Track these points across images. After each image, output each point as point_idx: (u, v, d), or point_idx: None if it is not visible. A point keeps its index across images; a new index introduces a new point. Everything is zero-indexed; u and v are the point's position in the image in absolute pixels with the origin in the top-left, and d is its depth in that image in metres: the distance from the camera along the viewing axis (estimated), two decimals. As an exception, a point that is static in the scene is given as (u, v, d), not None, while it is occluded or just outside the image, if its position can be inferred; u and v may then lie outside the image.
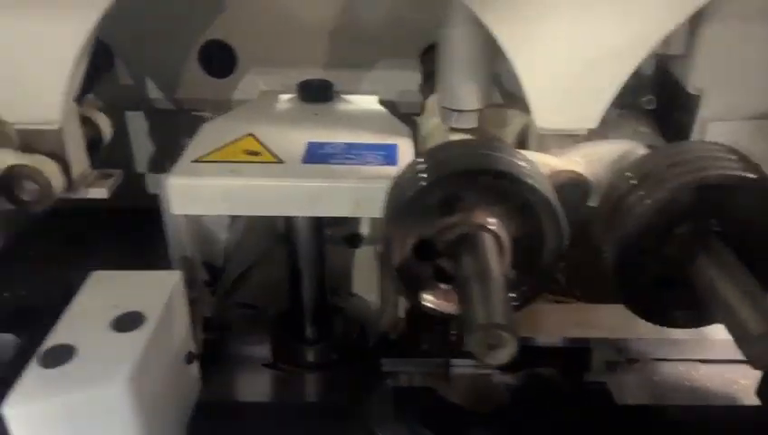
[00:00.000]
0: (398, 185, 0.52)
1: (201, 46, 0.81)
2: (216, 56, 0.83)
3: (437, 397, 0.59)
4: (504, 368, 0.64)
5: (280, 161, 0.58)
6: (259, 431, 0.56)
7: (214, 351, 0.62)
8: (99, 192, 0.62)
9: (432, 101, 0.68)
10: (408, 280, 0.52)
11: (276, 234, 0.70)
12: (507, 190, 0.48)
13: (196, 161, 0.58)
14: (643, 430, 0.58)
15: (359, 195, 0.55)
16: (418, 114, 0.69)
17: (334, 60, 0.80)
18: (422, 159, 0.51)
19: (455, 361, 0.64)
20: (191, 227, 0.59)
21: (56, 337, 0.46)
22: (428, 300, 0.52)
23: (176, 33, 0.79)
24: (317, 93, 0.72)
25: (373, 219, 0.68)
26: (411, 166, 0.51)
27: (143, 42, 0.78)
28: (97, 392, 0.42)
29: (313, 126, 0.65)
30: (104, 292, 0.50)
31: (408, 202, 0.48)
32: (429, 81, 0.75)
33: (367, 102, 0.72)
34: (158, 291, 0.50)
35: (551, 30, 0.53)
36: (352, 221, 0.73)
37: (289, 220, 0.63)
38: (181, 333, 0.53)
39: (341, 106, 0.71)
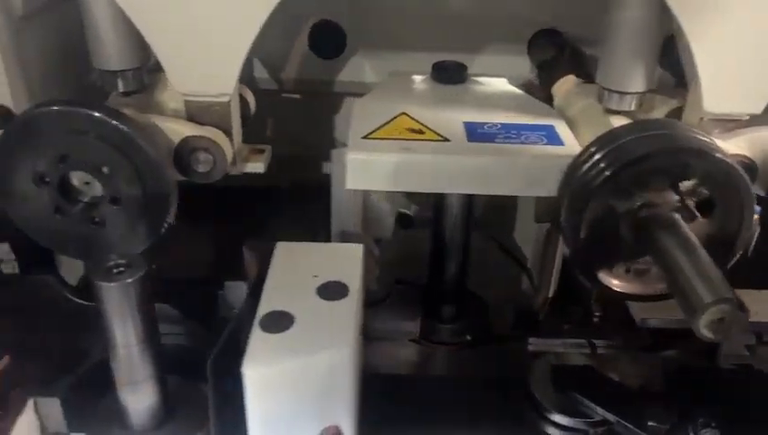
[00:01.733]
0: (577, 166, 0.53)
1: (311, 26, 0.81)
2: (325, 37, 0.83)
3: (594, 372, 0.60)
4: (645, 348, 0.65)
5: (446, 139, 0.59)
6: (426, 403, 0.57)
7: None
8: (256, 166, 0.63)
9: (570, 84, 0.69)
10: (585, 262, 0.54)
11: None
12: (694, 168, 0.49)
13: (366, 138, 0.58)
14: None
15: (533, 173, 0.56)
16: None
17: (441, 44, 0.80)
18: (604, 141, 0.52)
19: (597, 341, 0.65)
20: (359, 202, 0.60)
21: (269, 304, 0.47)
22: (610, 282, 0.54)
23: (287, 13, 0.80)
24: (452, 74, 0.72)
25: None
26: (592, 147, 0.52)
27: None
28: (325, 356, 0.43)
29: (462, 106, 0.66)
30: (298, 262, 0.51)
31: (599, 183, 0.49)
32: (550, 65, 0.76)
33: (500, 84, 0.73)
34: (349, 262, 0.51)
35: (735, 16, 0.53)
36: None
37: (439, 201, 0.64)
38: (362, 305, 0.53)
39: (478, 87, 0.72)
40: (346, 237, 0.60)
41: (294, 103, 0.87)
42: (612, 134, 0.53)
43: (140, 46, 0.58)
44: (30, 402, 0.57)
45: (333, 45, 0.84)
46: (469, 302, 0.70)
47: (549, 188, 0.56)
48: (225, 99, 0.58)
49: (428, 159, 0.56)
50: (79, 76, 0.63)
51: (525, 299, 0.70)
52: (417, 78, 0.74)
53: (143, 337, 0.52)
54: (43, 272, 0.64)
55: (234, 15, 0.55)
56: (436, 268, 0.67)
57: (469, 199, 0.64)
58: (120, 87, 0.59)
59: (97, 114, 0.52)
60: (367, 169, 0.56)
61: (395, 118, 0.63)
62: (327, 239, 0.62)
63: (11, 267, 0.69)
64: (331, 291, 0.48)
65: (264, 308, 0.47)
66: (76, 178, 0.55)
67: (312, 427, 0.45)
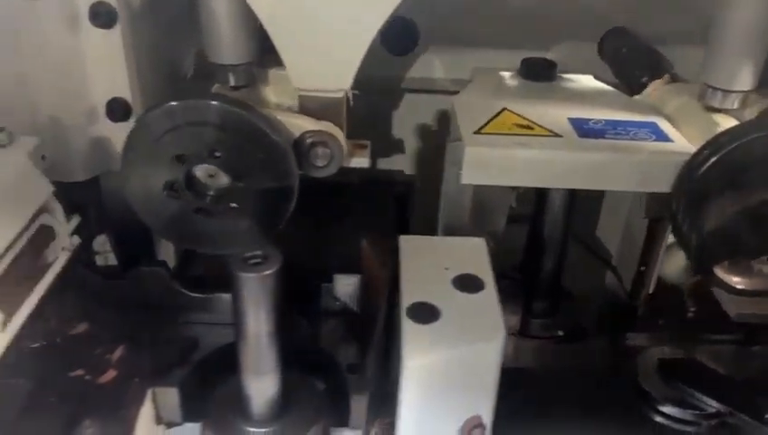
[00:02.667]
0: (697, 163, 0.54)
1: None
2: (397, 33, 0.83)
3: (701, 365, 0.61)
4: (741, 342, 0.66)
5: (556, 135, 0.60)
6: (537, 395, 0.58)
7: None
8: (361, 161, 0.63)
9: (661, 82, 0.70)
10: (703, 258, 0.54)
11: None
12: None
13: (478, 133, 0.59)
14: None
15: (650, 170, 0.57)
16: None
17: (513, 41, 0.80)
18: (724, 139, 0.53)
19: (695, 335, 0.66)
20: (470, 196, 0.61)
21: (411, 296, 0.47)
22: (729, 278, 0.55)
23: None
24: (542, 71, 0.73)
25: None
26: (711, 145, 0.53)
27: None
28: (478, 348, 0.44)
29: (559, 102, 0.67)
30: (426, 256, 0.52)
31: (719, 181, 0.50)
32: (626, 63, 0.77)
33: (589, 81, 0.74)
34: (476, 255, 0.52)
35: None
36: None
37: (540, 196, 0.65)
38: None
39: (568, 84, 0.72)
40: (454, 231, 0.61)
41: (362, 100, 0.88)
42: (732, 133, 0.54)
43: (253, 42, 0.59)
44: (148, 393, 0.57)
45: (405, 42, 0.84)
46: (563, 297, 0.70)
47: (663, 185, 0.57)
48: (340, 94, 0.59)
49: (546, 155, 0.57)
50: (170, 68, 0.63)
51: (609, 294, 0.71)
52: (506, 74, 0.74)
53: (273, 329, 0.52)
54: (145, 264, 0.65)
55: (358, 11, 0.55)
56: (533, 263, 0.67)
57: (572, 195, 0.65)
58: (232, 81, 0.60)
59: (231, 108, 0.52)
60: (484, 163, 0.57)
61: (499, 114, 0.63)
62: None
63: (104, 259, 0.70)
64: (468, 283, 0.49)
65: (406, 300, 0.47)
66: (200, 172, 0.56)
67: (458, 417, 0.46)
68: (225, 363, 0.62)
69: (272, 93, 0.62)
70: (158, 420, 0.59)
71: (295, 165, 0.55)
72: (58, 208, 0.52)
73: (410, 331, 0.45)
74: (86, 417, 0.52)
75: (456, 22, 0.80)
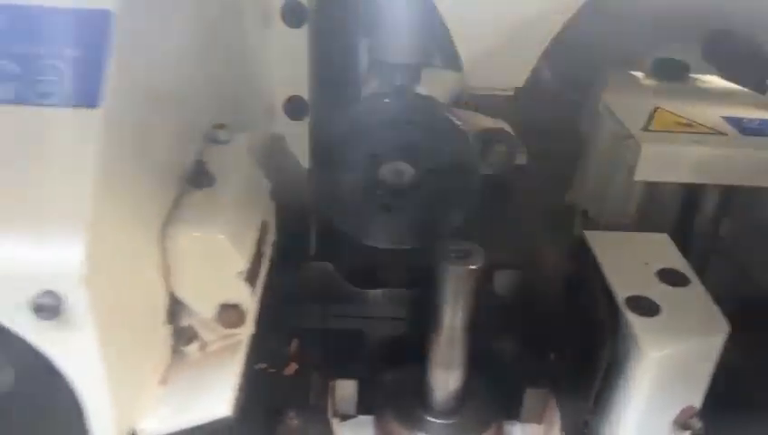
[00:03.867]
0: None
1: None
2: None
3: None
4: None
5: (720, 133, 0.61)
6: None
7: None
8: (520, 158, 0.64)
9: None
10: None
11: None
12: None
13: (647, 131, 0.60)
14: None
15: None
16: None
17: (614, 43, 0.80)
18: None
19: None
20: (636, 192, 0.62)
21: (624, 290, 0.49)
22: None
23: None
24: (675, 72, 0.74)
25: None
26: None
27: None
28: (707, 340, 0.45)
29: (704, 101, 0.68)
30: (620, 251, 0.53)
31: None
32: (746, 65, 0.78)
33: (717, 81, 0.75)
34: (667, 250, 0.53)
35: None
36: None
37: (691, 193, 0.66)
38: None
39: (700, 84, 0.74)
40: (617, 228, 0.62)
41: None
42: None
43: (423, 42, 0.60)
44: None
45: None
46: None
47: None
48: (511, 92, 0.60)
49: (720, 151, 0.58)
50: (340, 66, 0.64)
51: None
52: (639, 75, 0.76)
53: (468, 325, 0.53)
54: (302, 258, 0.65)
55: (542, 9, 0.56)
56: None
57: (729, 193, 0.66)
58: (398, 80, 0.61)
59: (430, 105, 0.53)
60: (659, 160, 0.58)
61: (654, 112, 0.65)
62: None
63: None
64: (673, 278, 0.50)
65: (621, 293, 0.49)
66: (387, 168, 0.57)
67: (676, 406, 0.47)
68: (391, 356, 0.64)
69: (432, 93, 0.63)
70: (335, 412, 0.60)
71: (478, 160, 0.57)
72: (271, 204, 0.52)
73: (638, 324, 0.46)
74: (286, 408, 0.53)
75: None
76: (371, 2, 0.57)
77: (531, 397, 0.59)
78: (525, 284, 0.63)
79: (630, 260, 0.52)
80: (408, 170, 0.57)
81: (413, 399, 0.58)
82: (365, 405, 0.60)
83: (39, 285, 0.31)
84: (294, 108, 0.60)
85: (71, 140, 0.33)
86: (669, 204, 0.62)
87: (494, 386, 0.60)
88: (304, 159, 0.61)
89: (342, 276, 0.64)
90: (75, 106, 0.33)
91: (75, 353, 0.33)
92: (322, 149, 0.57)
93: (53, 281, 0.31)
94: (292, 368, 0.59)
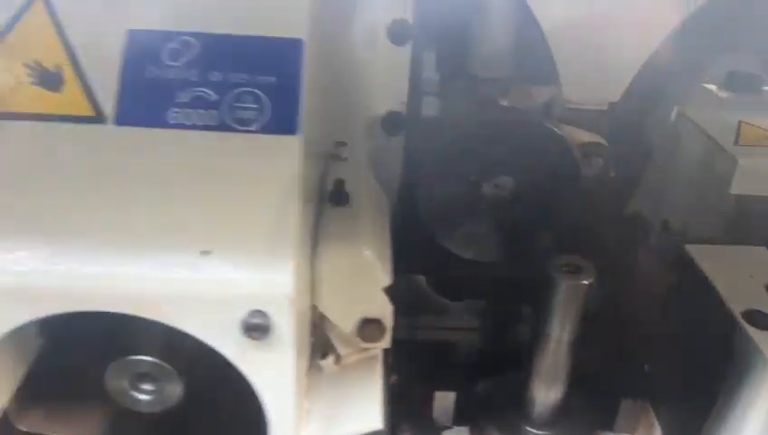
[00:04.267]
0: None
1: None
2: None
3: None
4: None
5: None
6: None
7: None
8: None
9: None
10: None
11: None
12: None
13: (737, 145, 0.61)
14: None
15: None
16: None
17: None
18: None
19: None
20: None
21: (738, 304, 0.49)
22: None
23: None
24: (749, 84, 0.75)
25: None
26: None
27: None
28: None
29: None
30: (724, 265, 0.54)
31: None
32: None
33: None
34: (768, 264, 0.54)
35: None
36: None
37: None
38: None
39: (774, 96, 0.75)
40: (706, 241, 0.63)
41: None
42: None
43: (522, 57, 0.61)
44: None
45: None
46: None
47: None
48: (604, 107, 0.61)
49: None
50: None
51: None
52: (711, 87, 0.76)
53: (575, 339, 0.54)
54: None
55: (642, 27, 0.57)
56: None
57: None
58: (494, 94, 0.62)
59: (539, 121, 0.54)
60: (755, 173, 0.59)
61: (740, 126, 0.65)
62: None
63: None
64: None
65: (736, 307, 0.49)
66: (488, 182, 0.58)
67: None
68: (482, 368, 0.65)
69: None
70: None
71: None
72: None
73: (760, 338, 0.47)
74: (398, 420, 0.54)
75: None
76: (473, 19, 0.58)
77: (625, 408, 0.60)
78: (616, 295, 0.64)
79: (736, 274, 0.53)
80: (508, 183, 0.57)
81: (512, 410, 0.59)
82: (461, 416, 0.61)
83: (249, 306, 0.32)
84: (392, 122, 0.60)
85: (276, 166, 0.34)
86: (760, 216, 0.63)
87: (589, 397, 0.60)
88: (398, 173, 0.62)
89: (432, 288, 0.65)
90: (276, 133, 0.34)
91: (272, 368, 0.34)
92: (421, 163, 0.58)
93: (264, 302, 0.32)
94: (393, 379, 0.59)
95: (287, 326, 0.33)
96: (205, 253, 0.33)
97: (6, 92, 0.35)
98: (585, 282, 0.52)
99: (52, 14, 0.36)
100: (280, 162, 0.34)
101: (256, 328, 0.32)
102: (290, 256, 0.33)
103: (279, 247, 0.33)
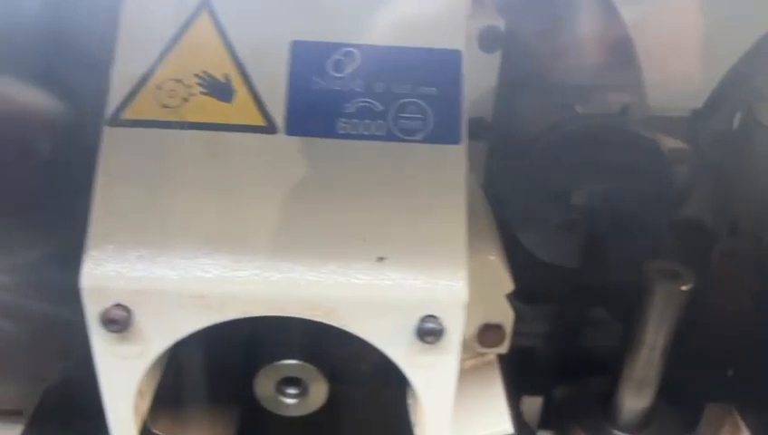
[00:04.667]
0: None
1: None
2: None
3: None
4: None
5: None
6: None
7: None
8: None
9: None
10: None
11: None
12: None
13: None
14: None
15: None
16: None
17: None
18: None
19: None
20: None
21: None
22: None
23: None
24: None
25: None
26: None
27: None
28: None
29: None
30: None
31: None
32: None
33: None
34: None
35: None
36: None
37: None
38: None
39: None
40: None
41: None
42: None
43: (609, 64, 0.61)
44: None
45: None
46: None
47: None
48: (688, 113, 0.61)
49: None
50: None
51: None
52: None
53: (668, 345, 0.54)
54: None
55: (732, 27, 0.57)
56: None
57: None
58: (576, 101, 0.62)
59: (636, 130, 0.54)
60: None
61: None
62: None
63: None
64: None
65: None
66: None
67: None
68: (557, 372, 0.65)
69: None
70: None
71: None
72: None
73: None
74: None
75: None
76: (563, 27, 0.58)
77: (710, 412, 0.60)
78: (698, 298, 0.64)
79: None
80: (600, 190, 0.58)
81: (599, 414, 0.59)
82: (545, 420, 0.61)
83: (424, 311, 0.34)
84: (476, 129, 0.61)
85: (443, 175, 0.35)
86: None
87: (673, 400, 0.61)
88: (480, 179, 0.62)
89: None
90: (440, 143, 0.35)
91: (436, 372, 0.36)
92: (509, 168, 0.58)
93: (439, 308, 0.34)
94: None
95: (457, 331, 0.34)
96: (381, 259, 0.33)
97: (180, 102, 0.36)
98: (684, 288, 0.52)
99: (218, 24, 0.36)
100: (447, 171, 0.35)
101: (431, 332, 0.34)
102: (463, 264, 0.34)
103: (453, 254, 0.34)
